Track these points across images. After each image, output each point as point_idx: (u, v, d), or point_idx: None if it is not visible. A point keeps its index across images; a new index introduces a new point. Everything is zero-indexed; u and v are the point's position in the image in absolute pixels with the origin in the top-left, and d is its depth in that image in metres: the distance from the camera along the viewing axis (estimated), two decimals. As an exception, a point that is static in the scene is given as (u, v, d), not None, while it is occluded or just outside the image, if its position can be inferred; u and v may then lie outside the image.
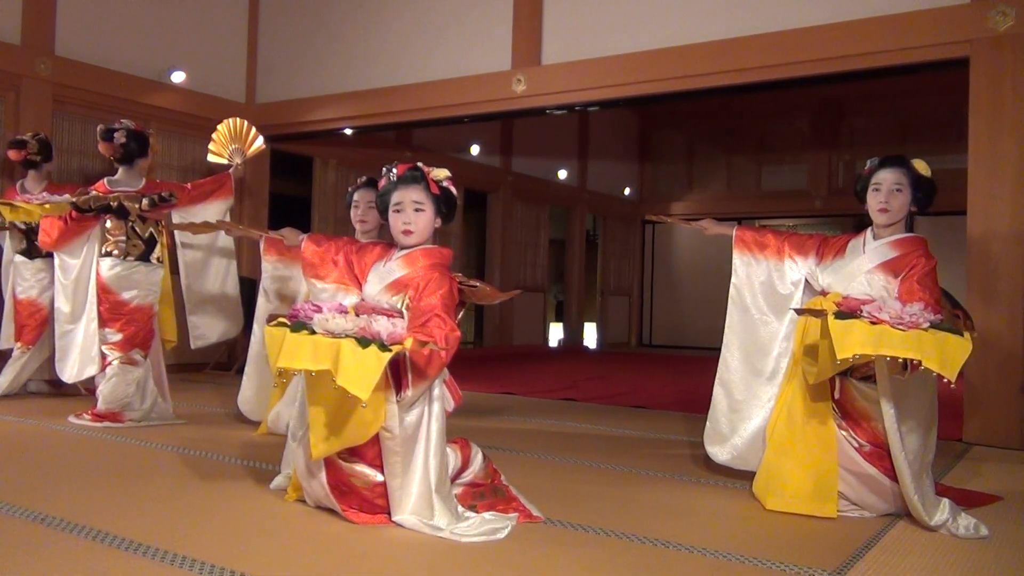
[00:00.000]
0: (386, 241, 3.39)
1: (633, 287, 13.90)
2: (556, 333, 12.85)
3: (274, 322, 2.50)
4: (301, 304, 2.55)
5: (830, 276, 3.21)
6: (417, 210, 2.83)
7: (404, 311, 2.69)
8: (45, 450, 3.93)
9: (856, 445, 3.02)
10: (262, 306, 4.39)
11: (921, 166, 3.14)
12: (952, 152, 9.70)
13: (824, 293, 3.19)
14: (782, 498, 3.06)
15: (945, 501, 2.92)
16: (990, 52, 4.87)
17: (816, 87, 8.90)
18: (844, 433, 3.05)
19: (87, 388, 5.52)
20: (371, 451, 2.65)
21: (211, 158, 5.25)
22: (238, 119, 5.27)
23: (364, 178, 4.07)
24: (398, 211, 2.83)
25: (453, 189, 2.91)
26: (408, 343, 2.41)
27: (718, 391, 3.60)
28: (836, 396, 3.08)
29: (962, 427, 4.89)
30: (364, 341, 2.33)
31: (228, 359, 7.80)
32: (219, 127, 5.21)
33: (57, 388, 5.61)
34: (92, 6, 6.82)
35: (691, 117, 13.09)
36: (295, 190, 9.05)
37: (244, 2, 8.03)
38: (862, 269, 3.11)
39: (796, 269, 3.41)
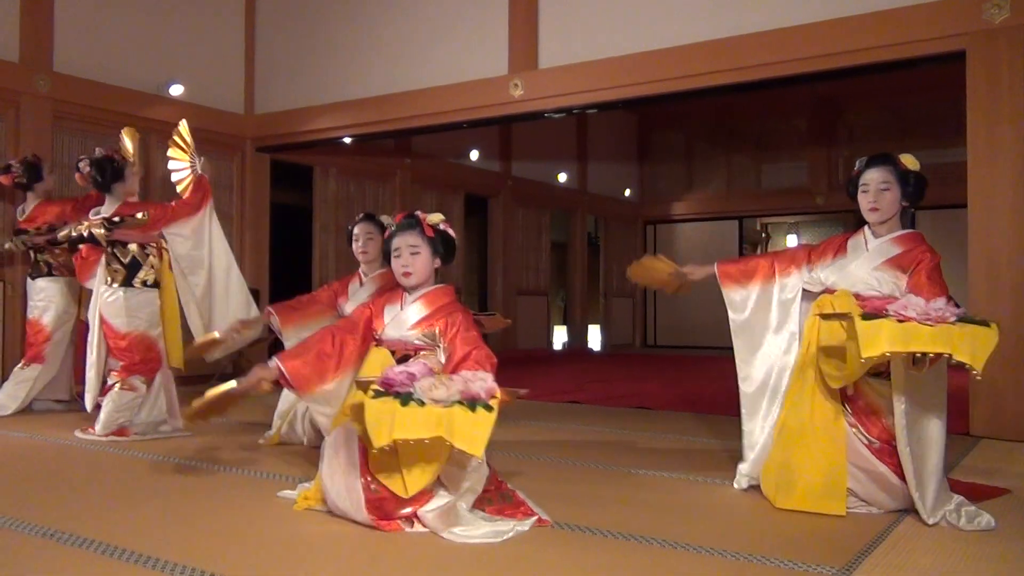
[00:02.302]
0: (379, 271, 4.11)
1: (636, 288, 13.89)
2: (560, 336, 12.85)
3: (369, 391, 2.53)
4: (391, 372, 2.58)
5: (835, 274, 3.20)
6: (413, 253, 3.01)
7: (437, 340, 2.95)
8: (53, 465, 3.93)
9: (866, 442, 3.02)
10: None
11: (908, 160, 3.16)
12: (951, 146, 9.70)
13: (830, 290, 3.18)
14: (791, 496, 3.06)
15: (956, 498, 2.93)
16: (986, 45, 4.87)
17: (813, 84, 8.90)
18: (854, 430, 3.05)
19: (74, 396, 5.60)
20: None
21: (175, 164, 5.07)
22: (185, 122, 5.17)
23: (361, 214, 4.42)
24: (397, 256, 3.03)
25: (450, 231, 3.09)
26: (499, 395, 2.53)
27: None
28: (849, 392, 3.08)
29: (968, 421, 4.89)
30: (472, 404, 2.45)
31: (234, 370, 7.80)
32: (181, 131, 5.08)
33: (67, 406, 5.64)
34: (90, 22, 6.84)
35: (689, 117, 13.10)
36: (296, 200, 9.06)
37: (240, 14, 8.05)
38: (868, 267, 3.12)
39: (789, 286, 3.38)
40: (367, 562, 2.47)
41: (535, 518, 2.80)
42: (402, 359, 2.94)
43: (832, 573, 2.35)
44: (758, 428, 3.38)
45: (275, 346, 8.30)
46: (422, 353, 2.95)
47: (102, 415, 4.63)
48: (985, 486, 3.40)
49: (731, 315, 3.53)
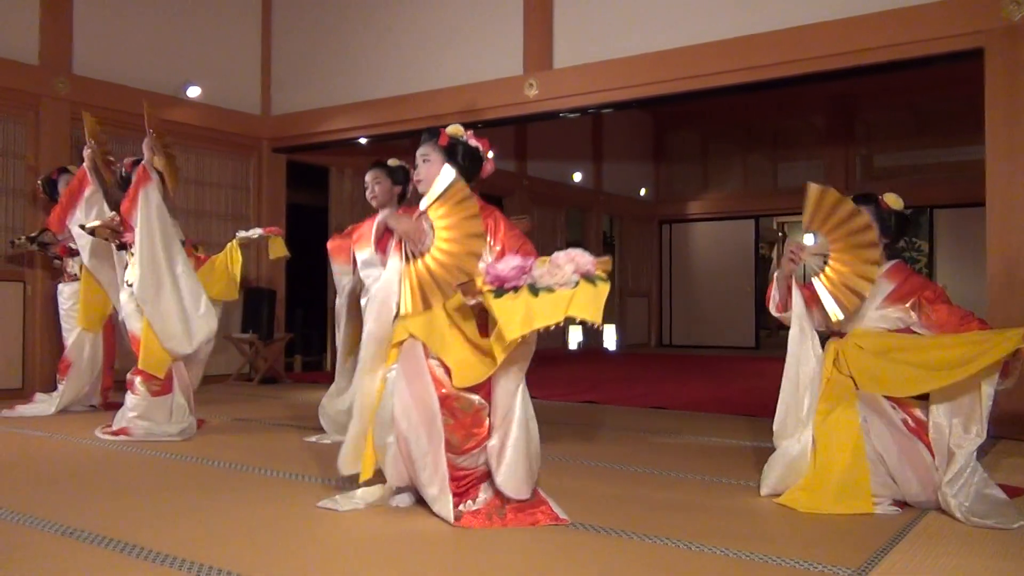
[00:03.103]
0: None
1: (652, 288, 13.88)
2: (575, 336, 12.84)
3: (485, 291, 2.68)
4: (497, 269, 2.68)
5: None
6: (424, 161, 3.10)
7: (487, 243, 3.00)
8: (72, 464, 3.97)
9: (901, 417, 3.10)
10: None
11: (891, 200, 3.29)
12: (969, 143, 9.63)
13: (841, 334, 3.29)
14: (815, 499, 3.07)
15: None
16: (1004, 42, 4.83)
17: (830, 82, 8.86)
18: (889, 404, 3.12)
19: (103, 405, 5.66)
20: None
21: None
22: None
23: (373, 161, 4.45)
24: (415, 167, 3.13)
25: (471, 142, 3.14)
26: (598, 269, 2.65)
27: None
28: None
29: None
30: (590, 279, 2.60)
31: (251, 370, 7.85)
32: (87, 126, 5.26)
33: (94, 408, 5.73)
34: (108, 25, 6.91)
35: (705, 116, 13.06)
36: (312, 200, 9.11)
37: (257, 15, 8.10)
38: (870, 307, 3.22)
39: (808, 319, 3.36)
40: (385, 561, 2.48)
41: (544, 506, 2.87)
42: None
43: (848, 573, 2.34)
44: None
45: (291, 346, 8.39)
46: None
47: (117, 414, 4.69)
48: (1004, 486, 3.38)
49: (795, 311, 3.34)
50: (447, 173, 2.96)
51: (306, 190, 9.02)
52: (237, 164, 7.94)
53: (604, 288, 2.62)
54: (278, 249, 5.37)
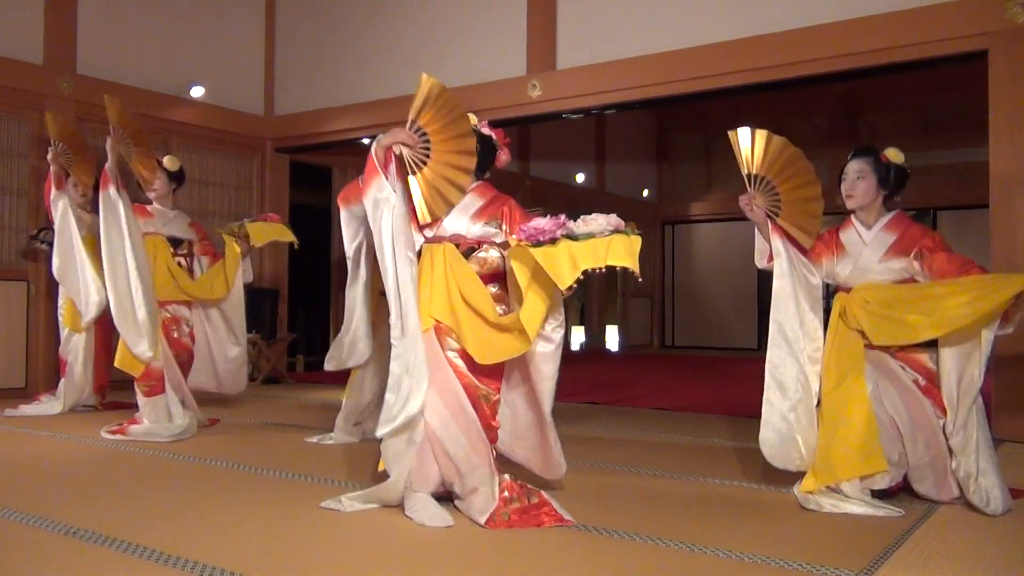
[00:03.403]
0: None
1: (654, 289, 13.87)
2: (578, 337, 12.84)
3: (521, 246, 2.72)
4: (534, 226, 2.72)
5: (844, 270, 3.35)
6: None
7: (501, 230, 3.05)
8: (75, 464, 3.98)
9: (912, 377, 3.19)
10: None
11: (892, 153, 3.34)
12: (973, 144, 9.62)
13: (847, 289, 3.33)
14: (831, 471, 3.11)
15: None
16: (1008, 44, 4.83)
17: (834, 84, 8.85)
18: (898, 364, 3.19)
19: (101, 405, 5.68)
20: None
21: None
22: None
23: None
24: None
25: (483, 131, 3.18)
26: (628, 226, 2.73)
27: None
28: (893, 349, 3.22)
29: (991, 423, 4.83)
30: (623, 232, 2.68)
31: (253, 370, 7.85)
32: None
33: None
34: (112, 25, 6.91)
35: (708, 117, 13.04)
36: (314, 200, 9.11)
37: (261, 16, 8.11)
38: (875, 259, 3.28)
39: (816, 270, 3.39)
40: (388, 562, 2.48)
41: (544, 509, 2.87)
42: (467, 252, 3.02)
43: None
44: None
45: (295, 345, 8.38)
46: (484, 245, 3.04)
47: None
48: (1014, 489, 3.37)
49: (776, 266, 3.32)
50: (424, 81, 3.03)
51: (309, 190, 9.02)
52: (240, 164, 7.95)
53: (637, 240, 2.68)
54: (257, 234, 5.11)
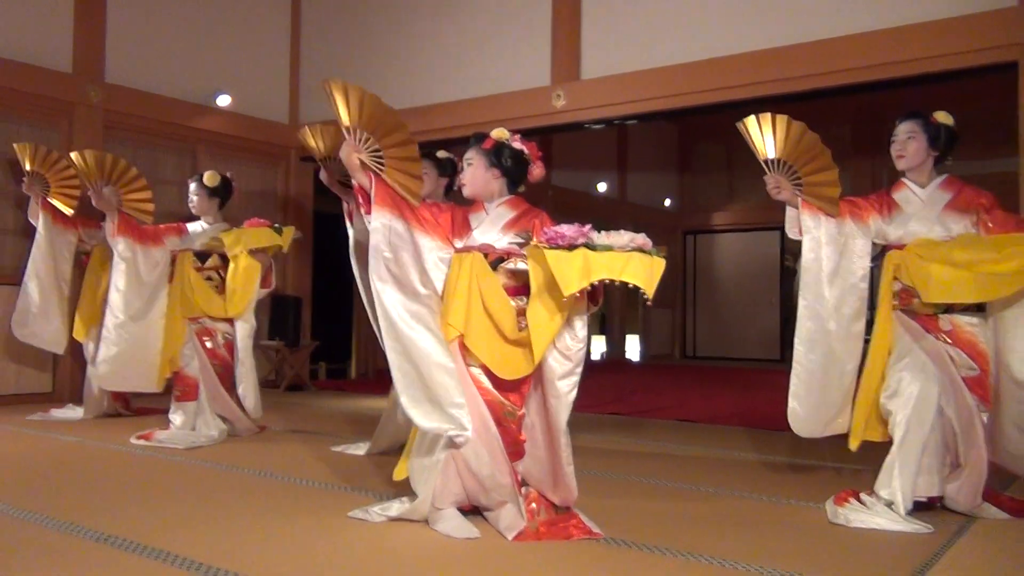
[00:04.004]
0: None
1: (676, 298, 13.82)
2: (598, 346, 12.81)
3: (539, 248, 2.68)
4: (555, 229, 2.68)
5: (899, 229, 3.34)
6: (468, 165, 3.14)
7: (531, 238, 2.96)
8: (104, 469, 4.01)
9: (964, 373, 3.16)
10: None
11: (941, 116, 3.36)
12: (1002, 155, 9.51)
13: (900, 245, 3.31)
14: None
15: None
16: (1040, 55, 4.78)
17: (858, 95, 8.79)
18: (952, 354, 3.18)
19: (128, 409, 5.72)
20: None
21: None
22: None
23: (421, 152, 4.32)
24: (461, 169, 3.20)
25: (515, 145, 3.13)
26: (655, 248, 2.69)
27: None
28: (945, 328, 3.21)
29: None
30: (647, 251, 2.63)
31: (276, 377, 7.90)
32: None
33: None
34: (140, 34, 6.99)
35: (731, 127, 12.80)
36: (338, 209, 9.10)
37: (286, 25, 8.18)
38: (932, 215, 3.29)
39: (860, 232, 3.38)
40: (418, 573, 2.48)
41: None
42: (495, 263, 2.99)
43: (885, 594, 2.32)
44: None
45: (317, 353, 8.42)
46: (513, 257, 2.99)
47: None
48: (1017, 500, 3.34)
49: (805, 242, 3.35)
50: (344, 87, 3.11)
51: (332, 198, 9.02)
52: (265, 172, 8.01)
53: (660, 264, 2.62)
54: (233, 243, 4.95)
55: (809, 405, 3.32)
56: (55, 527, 2.86)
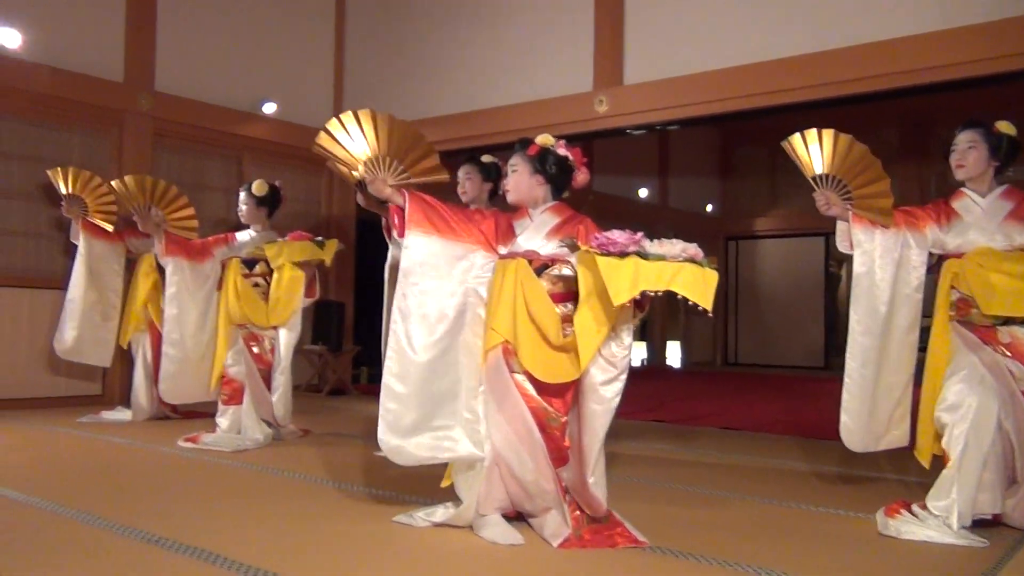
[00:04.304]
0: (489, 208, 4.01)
1: (718, 304, 13.59)
2: (639, 352, 12.75)
3: (589, 254, 2.66)
4: (607, 236, 2.66)
5: (957, 238, 3.27)
6: (513, 171, 3.14)
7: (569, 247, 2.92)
8: (152, 471, 4.08)
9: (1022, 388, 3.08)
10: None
11: (1003, 126, 3.28)
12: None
13: (959, 254, 3.24)
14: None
15: None
16: (1092, 57, 4.66)
17: (905, 99, 8.67)
18: (1009, 363, 3.09)
19: (176, 412, 5.80)
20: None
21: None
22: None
23: (465, 156, 4.42)
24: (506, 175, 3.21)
25: (560, 151, 3.12)
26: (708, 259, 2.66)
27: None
28: (1005, 340, 3.13)
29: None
30: (699, 262, 2.59)
31: (319, 381, 7.98)
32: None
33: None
34: (189, 43, 7.12)
35: (773, 131, 12.80)
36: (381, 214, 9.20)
37: (331, 34, 8.28)
38: (993, 224, 3.21)
39: (915, 241, 3.33)
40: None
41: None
42: (540, 269, 2.98)
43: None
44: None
45: (359, 358, 8.47)
46: (557, 263, 2.98)
47: None
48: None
49: (856, 258, 3.32)
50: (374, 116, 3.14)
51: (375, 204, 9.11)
52: (309, 178, 8.09)
53: (712, 275, 2.59)
54: (275, 255, 5.01)
55: (862, 419, 3.26)
56: (105, 527, 2.91)
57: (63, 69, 6.30)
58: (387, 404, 2.91)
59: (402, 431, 2.89)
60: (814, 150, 3.27)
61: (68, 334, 5.51)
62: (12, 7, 6.07)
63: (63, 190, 5.52)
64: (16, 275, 6.18)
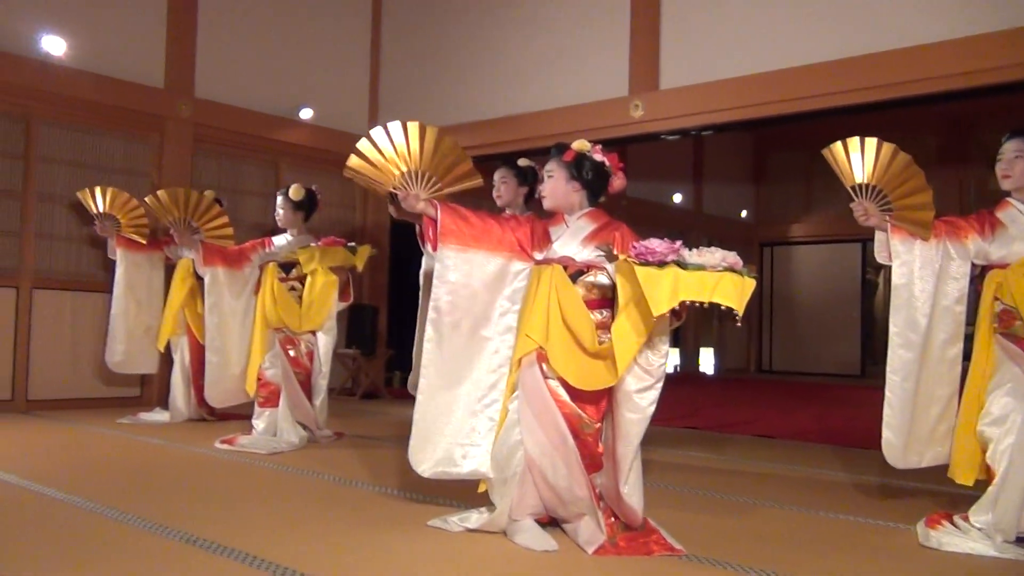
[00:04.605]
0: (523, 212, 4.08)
1: (752, 311, 13.58)
2: (672, 359, 12.68)
3: (628, 263, 2.65)
4: (646, 245, 2.65)
5: (1002, 248, 3.20)
6: (548, 176, 3.13)
7: (613, 251, 2.91)
8: (189, 472, 4.13)
9: None
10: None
11: None
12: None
13: (998, 265, 3.18)
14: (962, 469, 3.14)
15: None
16: None
17: (943, 104, 8.56)
18: None
19: (213, 414, 5.86)
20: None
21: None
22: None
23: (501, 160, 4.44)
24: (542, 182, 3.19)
25: (596, 157, 3.10)
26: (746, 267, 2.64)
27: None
28: None
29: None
30: (738, 271, 2.57)
31: (353, 385, 8.03)
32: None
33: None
34: (229, 50, 7.22)
35: (809, 136, 12.72)
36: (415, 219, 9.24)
37: (367, 40, 8.35)
38: None
39: (956, 252, 3.25)
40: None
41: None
42: (575, 275, 2.97)
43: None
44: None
45: (392, 362, 8.51)
46: (593, 270, 2.97)
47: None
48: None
49: (895, 268, 3.25)
50: (421, 128, 3.08)
51: (409, 209, 9.15)
52: (345, 183, 8.13)
53: (751, 283, 2.56)
54: (308, 261, 5.04)
55: (904, 435, 3.18)
56: (142, 526, 2.95)
57: (106, 76, 6.42)
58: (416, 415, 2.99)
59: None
60: (855, 159, 3.21)
61: (118, 349, 5.66)
62: (57, 15, 6.20)
63: (94, 209, 5.63)
64: (59, 278, 6.31)
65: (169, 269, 5.89)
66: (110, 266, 5.80)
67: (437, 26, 7.97)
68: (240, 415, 5.70)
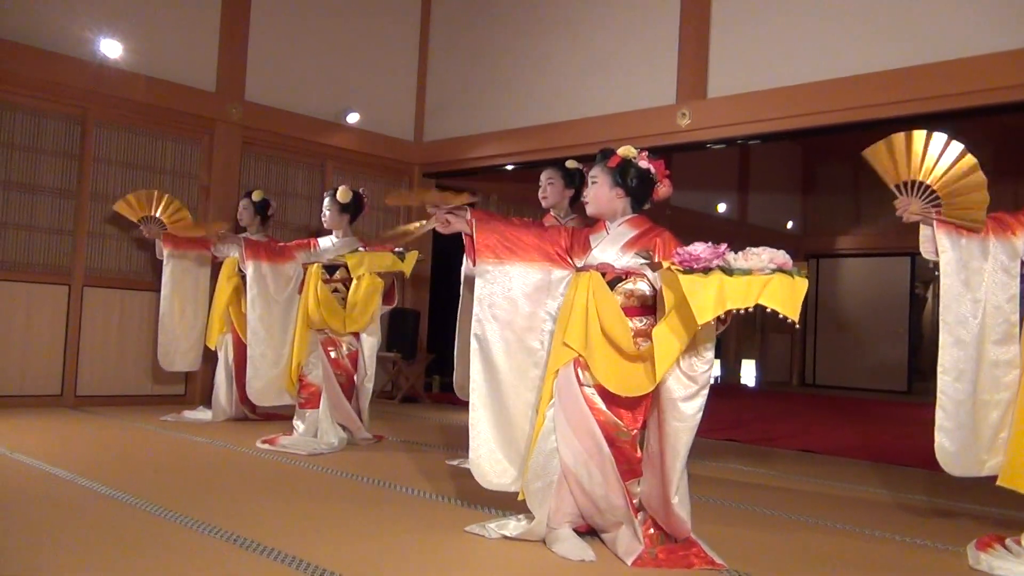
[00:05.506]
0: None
1: (794, 324, 13.38)
2: (713, 370, 12.55)
3: (672, 271, 2.59)
4: (690, 250, 2.59)
5: None
6: (593, 182, 3.12)
7: (653, 257, 2.88)
8: (230, 470, 4.18)
9: None
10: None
11: None
12: None
13: None
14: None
15: None
16: None
17: (999, 116, 8.36)
18: None
19: (255, 413, 5.91)
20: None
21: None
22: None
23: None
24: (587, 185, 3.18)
25: (642, 164, 3.08)
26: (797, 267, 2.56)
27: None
28: None
29: None
30: (787, 272, 2.47)
31: (392, 388, 8.06)
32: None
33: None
34: (278, 55, 7.32)
35: (858, 147, 12.46)
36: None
37: (415, 46, 8.41)
38: None
39: (1004, 250, 3.14)
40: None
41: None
42: (613, 282, 2.95)
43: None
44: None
45: (432, 366, 8.54)
46: (632, 277, 2.95)
47: None
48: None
49: (942, 264, 3.15)
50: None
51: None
52: (389, 187, 8.21)
53: (802, 284, 2.46)
54: (356, 265, 5.08)
55: (960, 440, 3.04)
56: (184, 523, 2.98)
57: (159, 79, 6.55)
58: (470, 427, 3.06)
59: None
60: (900, 156, 3.12)
61: (169, 348, 5.78)
62: (113, 19, 6.33)
63: (135, 218, 5.73)
64: (109, 276, 6.43)
65: (216, 268, 5.97)
66: (158, 266, 5.89)
67: (485, 32, 8.00)
68: (282, 415, 5.76)
